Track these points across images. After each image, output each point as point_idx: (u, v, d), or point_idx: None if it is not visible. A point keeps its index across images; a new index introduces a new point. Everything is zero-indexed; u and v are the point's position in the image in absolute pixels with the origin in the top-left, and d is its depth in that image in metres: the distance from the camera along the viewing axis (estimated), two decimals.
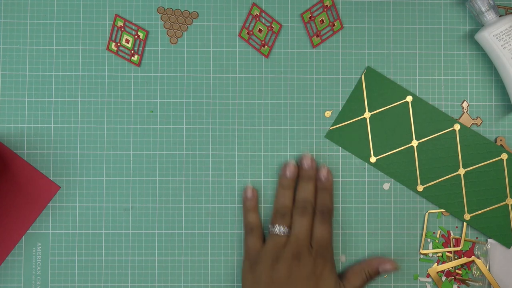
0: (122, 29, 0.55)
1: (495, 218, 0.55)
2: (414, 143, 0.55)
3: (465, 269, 0.56)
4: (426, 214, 0.56)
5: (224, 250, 0.55)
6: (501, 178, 0.55)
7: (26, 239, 0.54)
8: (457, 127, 0.55)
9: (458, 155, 0.55)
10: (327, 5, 0.56)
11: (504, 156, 0.55)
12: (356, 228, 0.56)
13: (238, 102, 0.56)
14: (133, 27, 0.55)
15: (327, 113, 0.56)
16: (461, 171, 0.55)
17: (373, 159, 0.55)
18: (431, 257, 0.56)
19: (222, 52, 0.56)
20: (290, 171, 0.53)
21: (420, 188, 0.55)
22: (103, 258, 0.55)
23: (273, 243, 0.51)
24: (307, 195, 0.52)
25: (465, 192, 0.55)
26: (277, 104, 0.56)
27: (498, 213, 0.55)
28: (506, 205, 0.55)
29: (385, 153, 0.55)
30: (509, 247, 0.55)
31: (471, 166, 0.55)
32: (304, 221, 0.51)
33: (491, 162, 0.55)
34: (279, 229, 0.52)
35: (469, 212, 0.55)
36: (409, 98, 0.55)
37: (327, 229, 0.52)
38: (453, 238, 0.56)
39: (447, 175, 0.55)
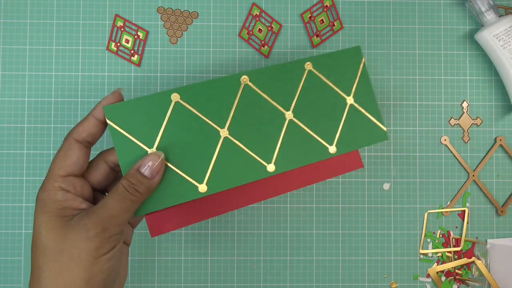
0: (122, 29, 0.55)
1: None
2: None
3: (465, 269, 0.56)
4: (426, 214, 0.56)
5: (224, 250, 0.55)
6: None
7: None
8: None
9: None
10: (327, 5, 0.56)
11: (308, 66, 0.44)
12: (356, 228, 0.56)
13: None
14: (133, 27, 0.55)
15: None
16: (289, 115, 0.43)
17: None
18: (431, 257, 0.56)
19: (222, 52, 0.56)
20: None
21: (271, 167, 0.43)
22: None
23: None
24: None
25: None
26: None
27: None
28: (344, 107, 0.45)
29: None
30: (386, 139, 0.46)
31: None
32: None
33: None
34: None
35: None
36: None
37: None
38: (453, 238, 0.56)
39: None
